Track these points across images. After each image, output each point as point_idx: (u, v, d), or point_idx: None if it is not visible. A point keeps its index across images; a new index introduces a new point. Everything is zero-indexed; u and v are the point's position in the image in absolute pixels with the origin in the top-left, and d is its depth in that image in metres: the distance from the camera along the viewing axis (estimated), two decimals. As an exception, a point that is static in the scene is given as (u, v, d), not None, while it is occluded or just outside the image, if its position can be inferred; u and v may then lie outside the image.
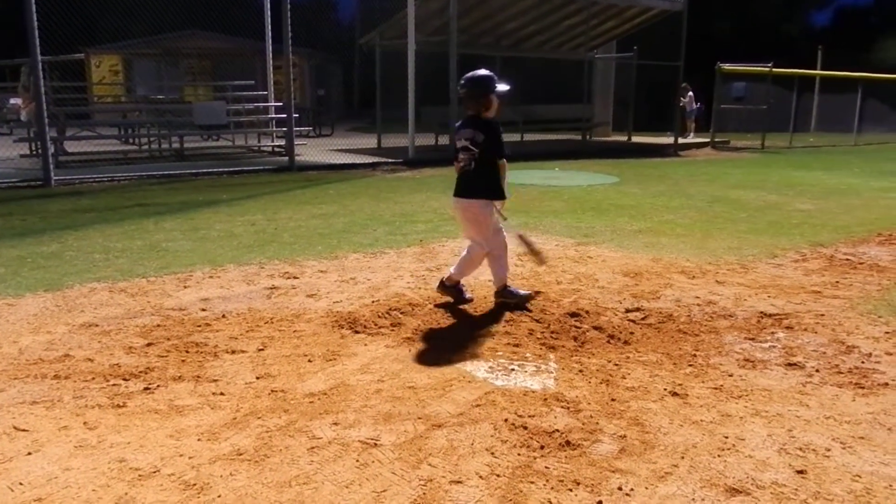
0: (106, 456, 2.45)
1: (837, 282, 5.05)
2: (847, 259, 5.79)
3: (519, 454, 2.49)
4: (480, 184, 4.14)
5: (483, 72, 4.13)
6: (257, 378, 3.17)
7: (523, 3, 16.35)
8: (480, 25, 17.18)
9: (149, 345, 3.60)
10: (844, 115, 25.32)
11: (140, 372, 3.22)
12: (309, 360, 3.39)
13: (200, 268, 5.27)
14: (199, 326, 3.90)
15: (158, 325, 3.91)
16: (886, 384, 3.21)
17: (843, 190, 10.67)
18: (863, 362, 3.48)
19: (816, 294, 4.73)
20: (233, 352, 3.51)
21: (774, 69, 21.07)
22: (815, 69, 25.89)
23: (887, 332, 3.93)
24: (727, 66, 20.78)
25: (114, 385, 3.07)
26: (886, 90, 26.38)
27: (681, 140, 19.90)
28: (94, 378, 3.14)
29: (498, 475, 2.34)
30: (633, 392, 3.07)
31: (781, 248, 6.19)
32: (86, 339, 3.66)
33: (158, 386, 3.07)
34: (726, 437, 2.66)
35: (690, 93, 21.57)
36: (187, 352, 3.50)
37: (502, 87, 4.11)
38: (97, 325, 3.90)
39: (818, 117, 27.79)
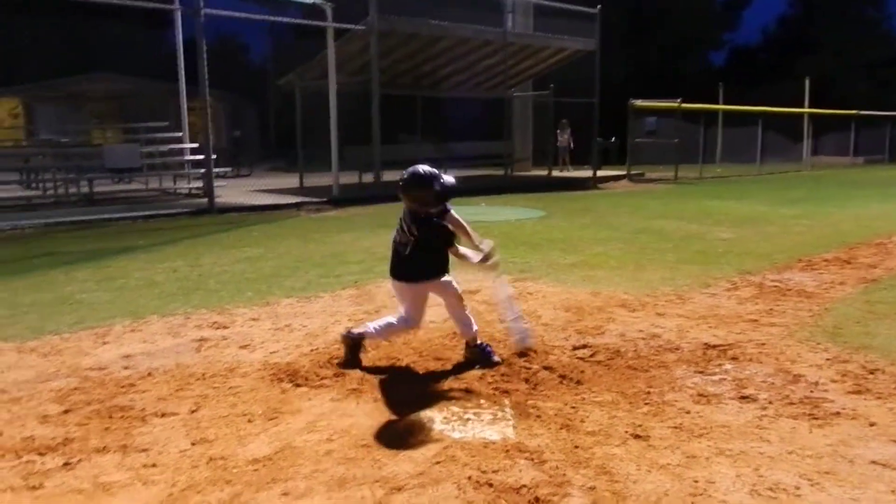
0: (22, 550, 2.14)
1: (771, 309, 5.15)
2: (775, 286, 5.94)
3: (489, 515, 2.32)
4: (413, 267, 3.83)
5: (419, 170, 3.72)
6: (193, 444, 2.89)
7: (442, 44, 16.54)
8: (401, 66, 17.24)
9: (66, 412, 3.25)
10: (747, 146, 26.71)
11: (58, 444, 2.88)
12: (249, 420, 3.14)
13: (120, 321, 4.89)
14: (123, 387, 3.57)
15: (76, 389, 3.56)
16: (838, 413, 3.22)
17: (756, 218, 11.10)
18: (811, 391, 3.50)
19: (754, 322, 4.79)
20: (163, 415, 3.21)
21: (683, 104, 22.03)
22: (718, 104, 27.29)
23: (828, 359, 3.99)
24: (639, 103, 21.59)
25: (28, 462, 2.73)
26: (784, 123, 28.06)
27: (560, 174, 20.68)
28: (3, 455, 2.79)
29: (469, 541, 2.17)
30: (594, 437, 2.96)
31: (713, 277, 6.31)
32: (-8, 410, 3.28)
33: (80, 460, 2.75)
34: (696, 482, 2.57)
35: (568, 129, 22.43)
36: (111, 417, 3.17)
37: (448, 179, 3.73)
38: (5, 392, 3.51)
39: (723, 149, 29.13)
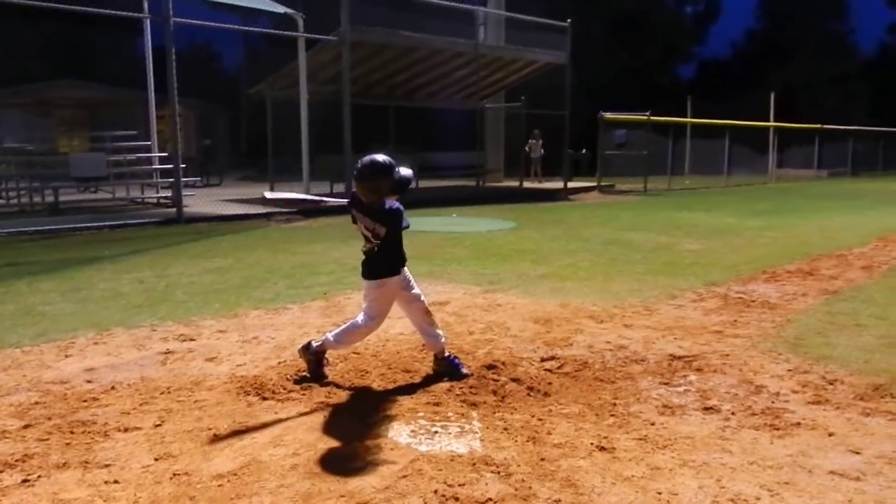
0: (-24, 570, 2.10)
1: (735, 321, 5.24)
2: (740, 297, 6.04)
3: (454, 529, 2.33)
4: (384, 265, 3.80)
5: (377, 159, 3.65)
6: (156, 459, 2.86)
7: (414, 55, 16.59)
8: (373, 76, 17.26)
9: (26, 427, 3.19)
10: (715, 158, 27.19)
11: (16, 461, 2.83)
12: (214, 435, 3.10)
13: (84, 333, 4.81)
14: (85, 402, 3.52)
15: (37, 403, 3.49)
16: (798, 424, 3.28)
17: (723, 229, 11.28)
18: (773, 402, 3.57)
19: (718, 334, 4.87)
20: (126, 430, 3.16)
21: (652, 117, 22.35)
22: (686, 117, 27.77)
23: (790, 370, 4.07)
24: (609, 115, 21.85)
25: (-16, 479, 2.68)
26: (751, 136, 28.62)
27: (532, 185, 21.00)
28: (-41, 472, 2.73)
29: (434, 555, 2.17)
30: (560, 449, 2.98)
31: (679, 288, 6.40)
32: (-51, 425, 3.21)
33: (40, 476, 2.70)
34: (660, 494, 2.61)
35: (541, 140, 22.69)
36: (72, 433, 3.12)
37: (404, 171, 3.72)
38: (-38, 408, 3.44)
39: (692, 161, 29.61)
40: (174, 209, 11.97)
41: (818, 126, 30.99)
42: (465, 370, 3.93)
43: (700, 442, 3.08)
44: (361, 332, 3.91)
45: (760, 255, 8.46)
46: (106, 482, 2.66)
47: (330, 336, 3.90)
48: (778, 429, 3.23)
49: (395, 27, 15.10)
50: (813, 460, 2.90)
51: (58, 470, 2.76)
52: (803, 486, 2.67)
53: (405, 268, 3.87)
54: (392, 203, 3.71)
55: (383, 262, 3.79)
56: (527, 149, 22.67)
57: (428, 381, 3.84)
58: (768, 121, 29.63)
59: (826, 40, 46.55)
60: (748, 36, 53.15)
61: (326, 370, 3.92)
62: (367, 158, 3.67)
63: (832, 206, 16.57)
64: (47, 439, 3.05)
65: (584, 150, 24.90)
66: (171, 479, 2.68)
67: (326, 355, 3.95)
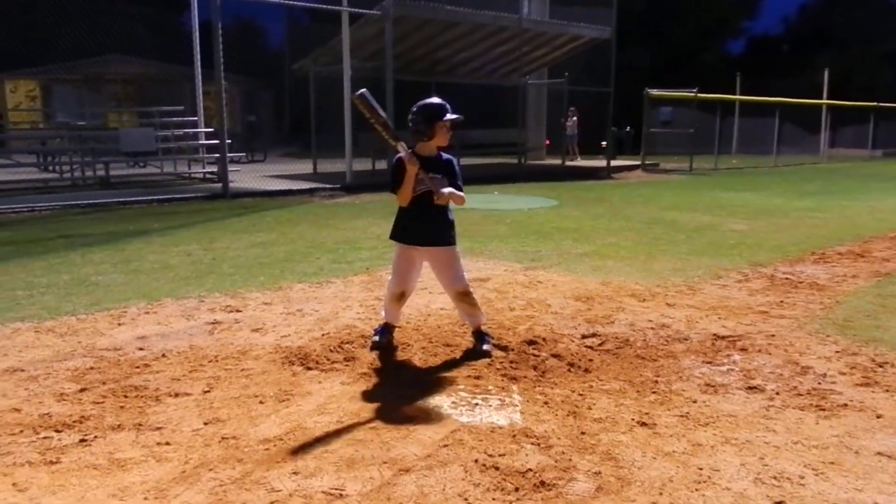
0: (39, 522, 2.20)
1: (782, 301, 5.15)
2: (787, 278, 5.92)
3: (494, 499, 2.36)
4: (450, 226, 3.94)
5: (432, 100, 3.85)
6: (205, 424, 2.95)
7: (457, 30, 16.47)
8: (415, 52, 17.21)
9: (82, 390, 3.32)
10: (764, 137, 26.48)
11: (74, 422, 2.95)
12: (260, 402, 3.19)
13: (135, 303, 4.96)
14: (138, 368, 3.64)
15: (92, 368, 3.63)
16: (845, 405, 3.23)
17: (770, 210, 11.04)
18: (819, 383, 3.51)
19: (764, 314, 4.79)
20: (176, 395, 3.27)
21: (699, 94, 21.85)
22: (735, 94, 27.02)
23: (837, 352, 3.99)
24: (655, 92, 21.43)
25: (45, 438, 2.80)
26: (802, 114, 27.76)
27: (569, 163, 20.71)
28: (21, 431, 2.86)
29: (475, 522, 2.21)
30: (601, 424, 2.99)
31: (724, 268, 6.30)
32: (10, 387, 3.35)
33: (96, 437, 2.81)
34: (701, 469, 2.60)
35: (575, 117, 22.24)
36: (126, 397, 3.24)
37: (449, 116, 3.83)
38: (23, 371, 3.58)
39: (739, 140, 28.88)
40: (220, 184, 12.19)
41: (873, 104, 29.93)
42: (486, 347, 3.89)
43: (743, 420, 3.05)
44: (387, 294, 4.00)
45: (809, 236, 8.26)
46: (158, 444, 2.76)
47: (381, 311, 4.09)
48: (824, 409, 3.18)
49: (438, 1, 15.00)
50: (860, 441, 2.85)
51: (113, 431, 2.87)
52: (849, 467, 2.63)
53: (450, 246, 3.90)
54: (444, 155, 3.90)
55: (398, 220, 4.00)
56: (566, 124, 22.34)
57: (468, 355, 3.86)
58: (821, 98, 28.67)
59: (884, 15, 44.67)
60: (801, 11, 51.43)
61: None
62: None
63: (885, 187, 16.05)
64: (102, 402, 3.17)
65: (627, 128, 24.50)
66: (219, 442, 2.77)
67: (393, 330, 4.07)
